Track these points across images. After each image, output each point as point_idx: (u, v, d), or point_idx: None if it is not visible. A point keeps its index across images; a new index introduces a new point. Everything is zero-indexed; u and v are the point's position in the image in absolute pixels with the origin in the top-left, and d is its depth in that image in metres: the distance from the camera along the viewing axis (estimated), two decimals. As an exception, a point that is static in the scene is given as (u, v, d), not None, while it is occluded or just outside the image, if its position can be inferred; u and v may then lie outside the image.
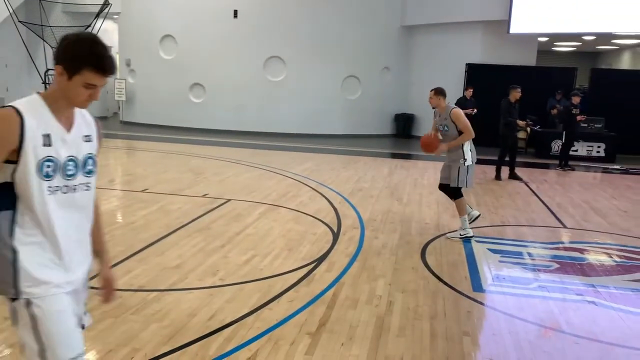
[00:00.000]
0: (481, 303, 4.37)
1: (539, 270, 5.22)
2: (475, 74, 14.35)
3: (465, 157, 5.97)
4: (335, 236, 5.95)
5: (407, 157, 13.29)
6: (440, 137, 6.15)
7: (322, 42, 15.40)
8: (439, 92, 6.13)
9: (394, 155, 13.53)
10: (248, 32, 15.32)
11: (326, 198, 7.81)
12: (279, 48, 15.45)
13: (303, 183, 8.88)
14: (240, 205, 7.22)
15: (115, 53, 19.33)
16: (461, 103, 11.37)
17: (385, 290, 4.48)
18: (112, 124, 17.27)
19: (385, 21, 15.95)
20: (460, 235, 6.01)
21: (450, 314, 4.07)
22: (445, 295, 4.45)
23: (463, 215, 6.06)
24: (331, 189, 8.41)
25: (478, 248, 5.76)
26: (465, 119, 6.05)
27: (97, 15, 13.28)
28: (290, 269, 4.88)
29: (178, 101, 16.01)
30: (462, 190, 6.12)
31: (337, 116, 15.89)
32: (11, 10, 12.57)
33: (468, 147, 5.99)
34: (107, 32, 17.74)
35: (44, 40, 12.90)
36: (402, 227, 6.45)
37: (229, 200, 7.45)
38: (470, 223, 6.11)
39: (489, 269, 5.19)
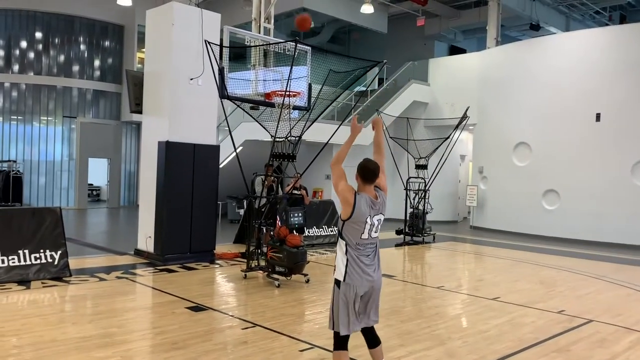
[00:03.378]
0: None
1: None
2: None
3: None
4: None
5: None
6: None
7: None
8: None
9: None
10: (612, 135, 14.08)
11: None
12: (651, 150, 13.61)
13: (690, 312, 7.20)
14: (604, 328, 6.29)
15: (468, 161, 20.42)
16: None
17: None
18: (462, 229, 17.88)
19: None
20: None
21: None
22: None
23: None
24: None
25: None
26: None
27: (456, 127, 14.37)
28: (682, 422, 3.87)
29: (529, 207, 15.58)
30: None
31: None
32: (384, 128, 14.81)
33: None
34: (462, 141, 18.99)
35: (408, 152, 14.62)
36: None
37: (591, 321, 6.58)
38: None
39: None
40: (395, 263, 11.37)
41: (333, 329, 3.87)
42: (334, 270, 3.92)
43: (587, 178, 14.45)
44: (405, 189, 14.04)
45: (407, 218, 13.97)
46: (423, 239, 13.76)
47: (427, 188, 14.06)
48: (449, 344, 5.54)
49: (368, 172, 3.84)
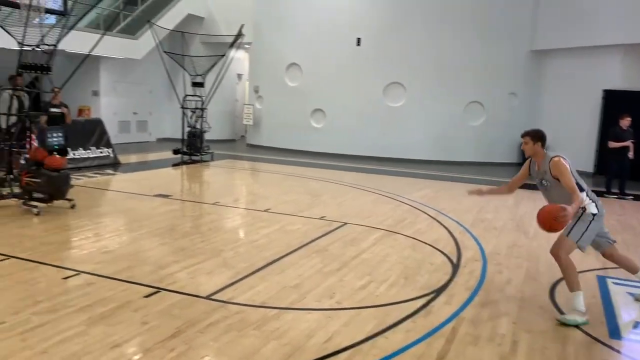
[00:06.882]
0: (618, 351, 3.94)
1: (691, 321, 4.60)
2: (613, 101, 13.23)
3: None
4: (455, 268, 5.73)
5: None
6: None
7: (444, 67, 15.19)
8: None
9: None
10: (370, 59, 15.55)
11: (445, 227, 7.58)
12: (400, 74, 15.48)
13: (421, 210, 8.71)
14: (356, 229, 7.25)
15: (245, 80, 20.63)
16: (617, 135, 10.28)
17: (509, 329, 4.20)
18: (239, 147, 18.33)
19: (513, 45, 15.36)
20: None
21: (583, 362, 3.71)
22: (577, 339, 4.07)
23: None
24: (451, 218, 8.15)
25: (616, 290, 5.22)
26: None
27: (231, 45, 14.26)
28: (407, 298, 4.77)
29: (300, 126, 16.61)
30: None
31: (460, 143, 15.47)
32: (157, 42, 13.93)
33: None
34: (239, 60, 19.02)
35: (183, 69, 14.09)
36: (529, 263, 6.05)
37: (346, 223, 7.51)
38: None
39: (629, 314, 4.67)
40: (173, 183, 11.22)
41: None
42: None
43: (348, 98, 15.88)
44: (182, 107, 13.68)
45: (185, 137, 13.75)
46: (201, 157, 13.76)
47: (204, 107, 13.91)
48: (222, 255, 5.79)
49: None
